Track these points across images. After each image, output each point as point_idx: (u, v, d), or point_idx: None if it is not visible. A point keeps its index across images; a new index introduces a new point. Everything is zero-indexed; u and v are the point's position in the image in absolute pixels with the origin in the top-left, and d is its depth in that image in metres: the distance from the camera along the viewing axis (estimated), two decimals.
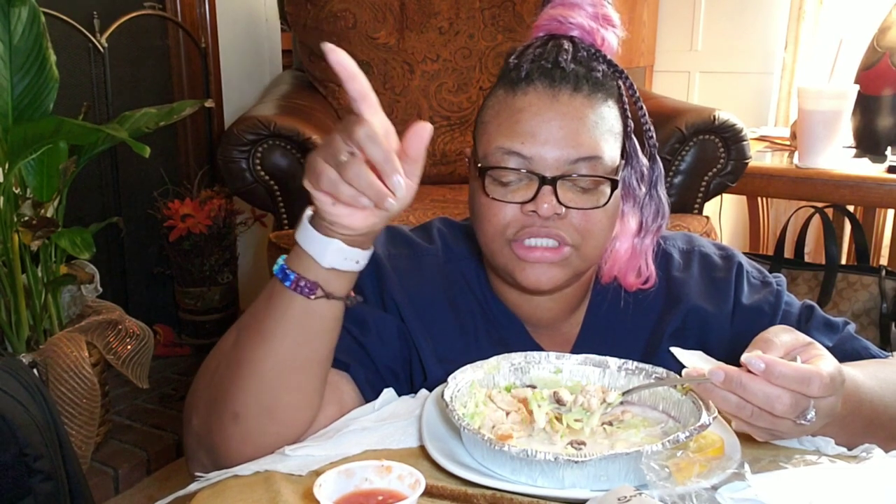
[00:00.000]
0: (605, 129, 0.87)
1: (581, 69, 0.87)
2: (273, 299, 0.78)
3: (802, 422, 0.70)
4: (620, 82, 0.91)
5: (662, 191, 0.95)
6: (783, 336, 0.74)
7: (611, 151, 0.87)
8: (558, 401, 0.81)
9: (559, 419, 0.80)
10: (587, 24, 0.89)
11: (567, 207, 0.86)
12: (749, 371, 0.69)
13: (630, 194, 0.94)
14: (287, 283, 0.76)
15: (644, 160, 0.94)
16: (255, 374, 0.79)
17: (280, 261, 0.78)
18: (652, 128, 0.93)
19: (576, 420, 0.79)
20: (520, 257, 0.87)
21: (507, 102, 0.88)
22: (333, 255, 0.75)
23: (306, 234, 0.75)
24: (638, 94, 0.92)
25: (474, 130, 0.94)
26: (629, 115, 0.92)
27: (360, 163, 0.68)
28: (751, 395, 0.69)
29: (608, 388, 0.85)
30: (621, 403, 0.83)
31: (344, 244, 0.74)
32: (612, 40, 0.91)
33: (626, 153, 0.93)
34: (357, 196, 0.69)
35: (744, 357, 0.70)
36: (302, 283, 0.76)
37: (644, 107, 0.93)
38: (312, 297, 0.76)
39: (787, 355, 0.73)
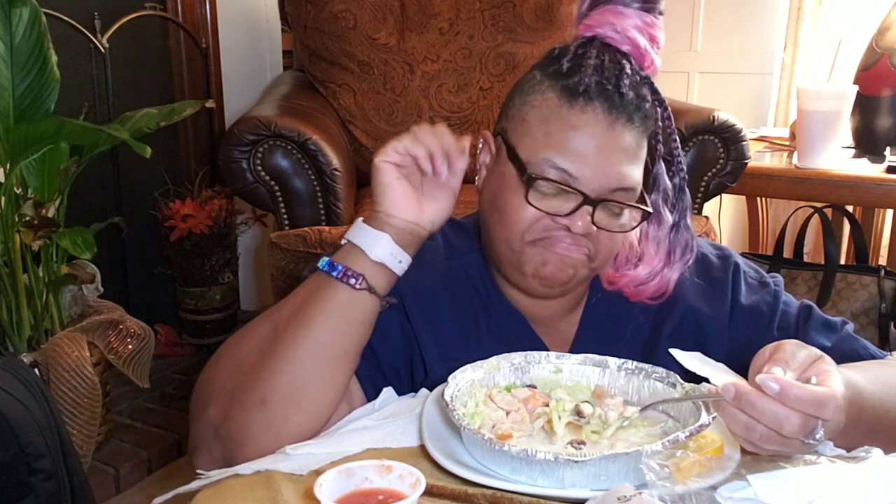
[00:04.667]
0: (640, 159, 0.90)
1: (635, 97, 0.87)
2: (318, 290, 0.85)
3: (811, 441, 0.69)
4: (660, 110, 0.92)
5: (691, 222, 0.96)
6: (800, 354, 0.73)
7: (640, 180, 0.91)
8: (579, 413, 0.81)
9: (578, 430, 0.80)
10: (642, 43, 0.88)
11: (598, 228, 0.88)
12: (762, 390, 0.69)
13: (654, 217, 0.96)
14: (335, 273, 0.85)
15: (668, 183, 0.95)
16: (292, 359, 0.83)
17: (323, 259, 0.86)
18: (683, 160, 0.95)
19: (593, 432, 0.79)
20: (543, 247, 0.89)
21: (560, 113, 0.87)
22: (382, 249, 0.85)
23: (358, 231, 0.87)
24: (674, 125, 0.93)
25: (504, 121, 0.93)
26: (660, 140, 0.93)
27: (435, 132, 0.86)
28: (759, 413, 0.68)
29: (625, 398, 0.85)
30: (624, 403, 0.83)
31: (392, 240, 0.85)
32: (657, 63, 0.91)
33: (650, 176, 0.94)
34: (425, 154, 0.85)
35: (758, 378, 0.69)
36: (350, 273, 0.84)
37: (678, 139, 0.94)
38: (358, 286, 0.84)
39: (804, 374, 0.72)
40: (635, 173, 0.88)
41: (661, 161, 0.95)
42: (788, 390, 0.67)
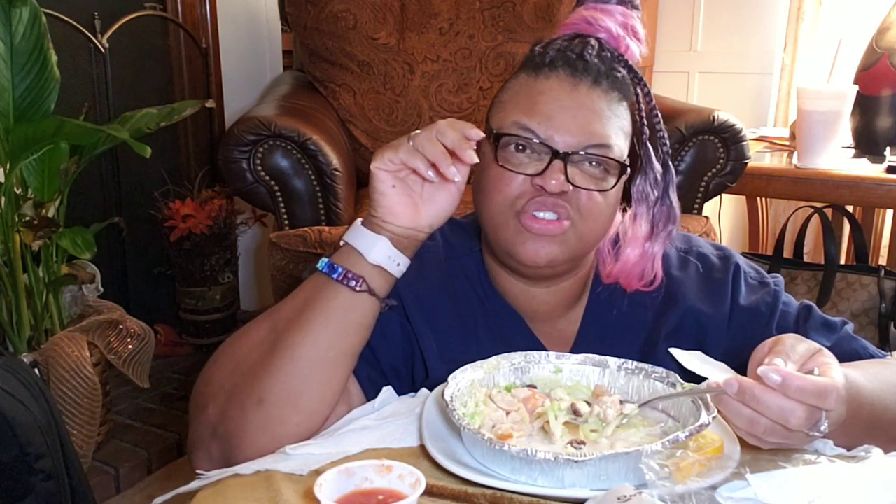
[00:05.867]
0: (617, 125, 0.90)
1: (600, 64, 0.90)
2: (317, 291, 0.85)
3: (815, 433, 0.70)
4: (639, 89, 0.94)
5: (674, 196, 0.96)
6: (799, 347, 0.74)
7: (620, 145, 0.90)
8: (575, 412, 0.81)
9: (576, 429, 0.80)
10: (615, 29, 0.92)
11: (574, 186, 0.87)
12: (763, 383, 0.69)
13: (643, 200, 0.95)
14: (335, 276, 0.85)
15: (657, 166, 0.95)
16: (291, 360, 0.83)
17: (323, 260, 0.86)
18: (666, 135, 0.95)
19: (592, 431, 0.79)
20: (524, 226, 0.89)
21: (527, 84, 0.91)
22: (380, 252, 0.85)
23: (357, 233, 0.86)
24: (654, 102, 0.94)
25: (488, 111, 0.96)
26: (644, 121, 0.94)
27: (432, 136, 0.82)
28: (764, 407, 0.69)
29: (625, 398, 0.85)
30: (621, 402, 0.83)
31: (390, 243, 0.85)
32: (635, 51, 0.94)
33: (639, 159, 0.94)
34: (425, 166, 0.81)
35: (760, 369, 0.69)
36: (350, 276, 0.84)
37: (659, 115, 0.95)
38: (358, 288, 0.84)
39: (804, 367, 0.73)
40: (607, 132, 0.89)
41: (649, 144, 0.95)
42: (790, 381, 0.68)
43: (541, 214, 0.88)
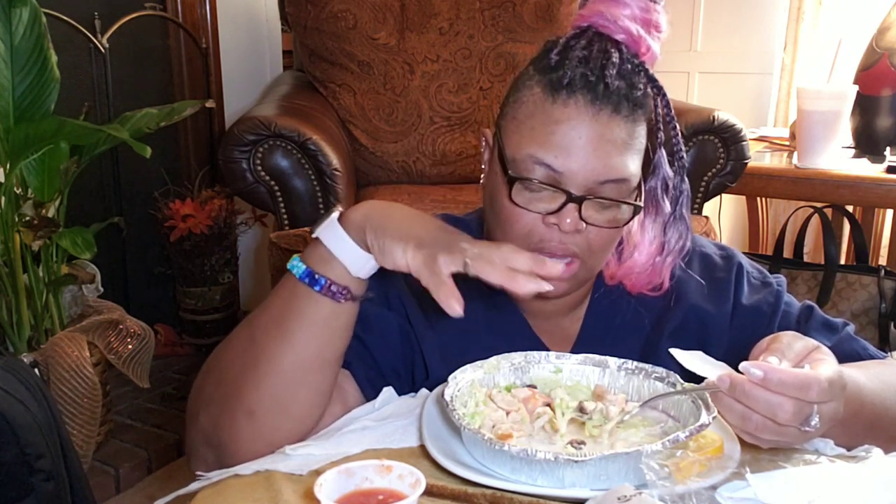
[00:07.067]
0: (635, 149, 0.88)
1: (624, 86, 0.85)
2: (297, 300, 0.80)
3: (807, 428, 0.70)
4: (658, 99, 0.91)
5: (688, 212, 0.95)
6: (796, 344, 0.74)
7: (636, 171, 0.88)
8: (581, 409, 0.81)
9: (582, 426, 0.80)
10: (635, 30, 0.87)
11: (588, 224, 0.87)
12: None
13: (652, 205, 0.94)
14: (317, 288, 0.78)
15: (669, 171, 0.94)
16: (275, 372, 0.80)
17: (298, 262, 0.80)
18: (683, 147, 0.93)
19: (594, 427, 0.79)
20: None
21: (544, 108, 0.86)
22: (368, 269, 0.79)
23: (342, 244, 0.78)
24: (673, 112, 0.92)
25: (499, 118, 0.93)
26: (660, 125, 0.92)
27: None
28: (753, 402, 0.69)
29: (628, 396, 0.86)
30: (625, 401, 0.83)
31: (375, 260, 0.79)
32: (656, 49, 0.89)
33: (652, 165, 0.93)
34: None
35: (742, 365, 0.70)
36: (334, 289, 0.79)
37: (677, 126, 0.92)
38: (343, 301, 0.79)
39: (800, 364, 0.73)
40: (626, 164, 0.86)
41: (662, 148, 0.93)
42: (771, 375, 0.68)
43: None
